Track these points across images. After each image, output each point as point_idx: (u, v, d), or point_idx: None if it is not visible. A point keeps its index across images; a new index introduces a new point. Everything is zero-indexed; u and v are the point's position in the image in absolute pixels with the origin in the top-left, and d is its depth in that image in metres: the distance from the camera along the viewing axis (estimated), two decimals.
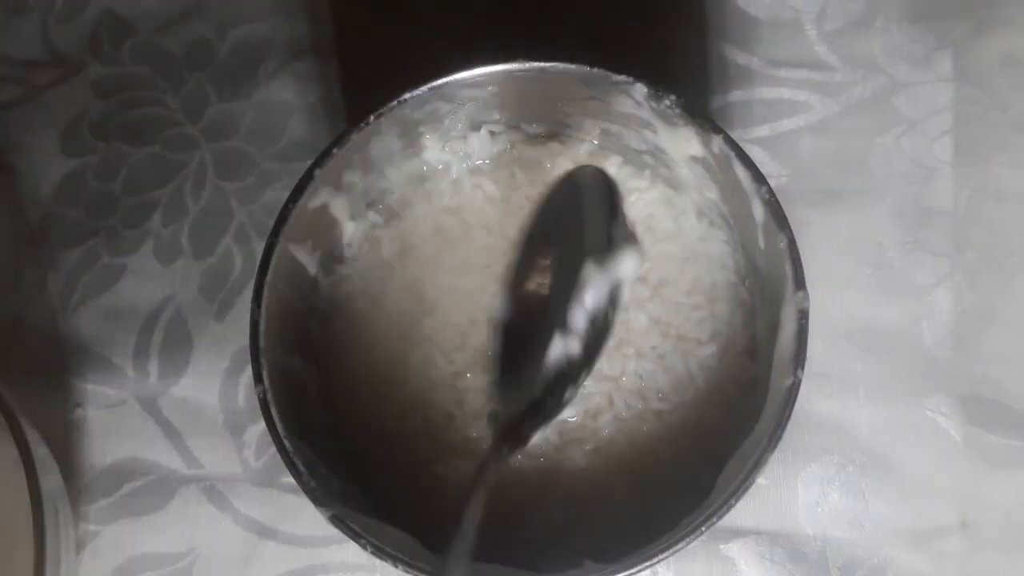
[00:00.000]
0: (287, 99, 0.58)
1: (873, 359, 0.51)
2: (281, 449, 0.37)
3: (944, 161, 0.54)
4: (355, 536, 0.36)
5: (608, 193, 0.39)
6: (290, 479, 0.50)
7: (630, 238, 0.39)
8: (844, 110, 0.55)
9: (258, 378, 0.38)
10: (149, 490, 0.52)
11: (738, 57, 0.56)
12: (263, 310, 0.39)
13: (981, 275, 0.52)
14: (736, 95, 0.56)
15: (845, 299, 0.52)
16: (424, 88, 0.40)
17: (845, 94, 0.55)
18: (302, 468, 0.37)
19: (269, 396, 0.38)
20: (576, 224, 0.39)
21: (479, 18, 0.57)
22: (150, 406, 0.53)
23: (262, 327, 0.38)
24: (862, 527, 0.49)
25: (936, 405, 0.50)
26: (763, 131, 0.55)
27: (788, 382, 0.37)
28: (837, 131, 0.54)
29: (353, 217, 0.46)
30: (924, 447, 0.50)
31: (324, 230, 0.45)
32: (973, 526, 0.49)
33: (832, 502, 0.49)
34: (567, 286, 0.38)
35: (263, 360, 0.38)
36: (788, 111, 0.55)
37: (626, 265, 0.38)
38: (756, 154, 0.54)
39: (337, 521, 0.36)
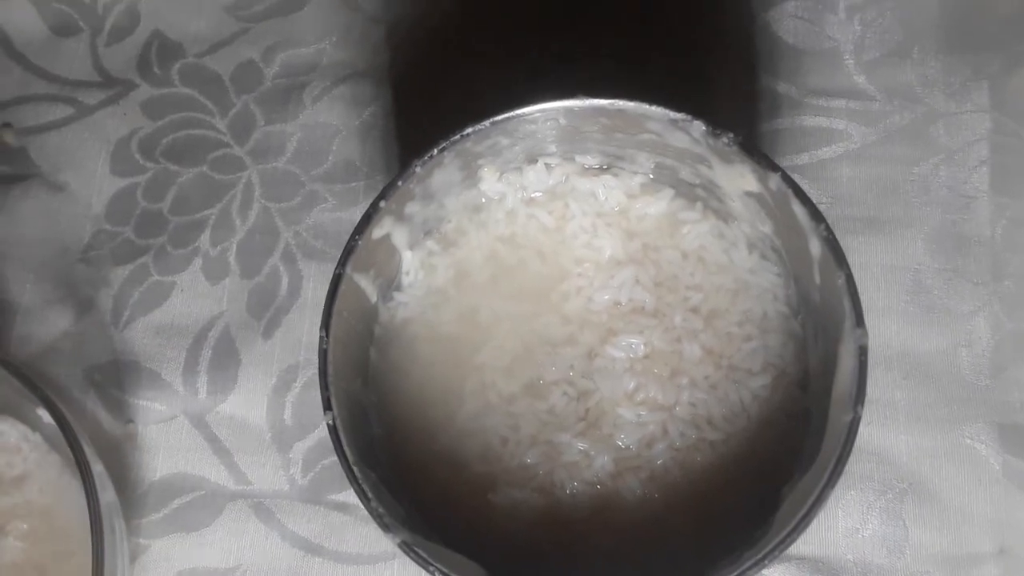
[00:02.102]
0: (332, 121, 0.59)
1: (912, 386, 0.52)
2: (351, 476, 0.38)
3: (981, 190, 0.54)
4: (424, 563, 0.37)
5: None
6: (337, 497, 0.52)
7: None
8: (882, 139, 0.56)
9: (327, 405, 0.39)
10: (198, 505, 0.53)
11: (777, 86, 0.57)
12: (331, 338, 0.40)
13: (1019, 303, 0.53)
14: (775, 123, 0.56)
15: (883, 327, 0.53)
16: (487, 122, 0.41)
17: (883, 123, 0.56)
18: (371, 494, 0.38)
19: (338, 423, 0.39)
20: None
21: (517, 46, 0.58)
22: (199, 422, 0.54)
23: (330, 355, 0.39)
24: (902, 553, 0.50)
25: (975, 433, 0.51)
26: (802, 159, 0.56)
27: (848, 418, 0.37)
28: (875, 159, 0.55)
29: (411, 246, 0.47)
30: (963, 474, 0.50)
31: (385, 259, 0.46)
32: (1011, 553, 0.49)
33: (872, 528, 0.50)
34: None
35: (331, 387, 0.39)
36: (827, 139, 0.56)
37: None
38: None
39: (406, 547, 0.37)
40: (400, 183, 0.42)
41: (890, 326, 0.53)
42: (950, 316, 0.53)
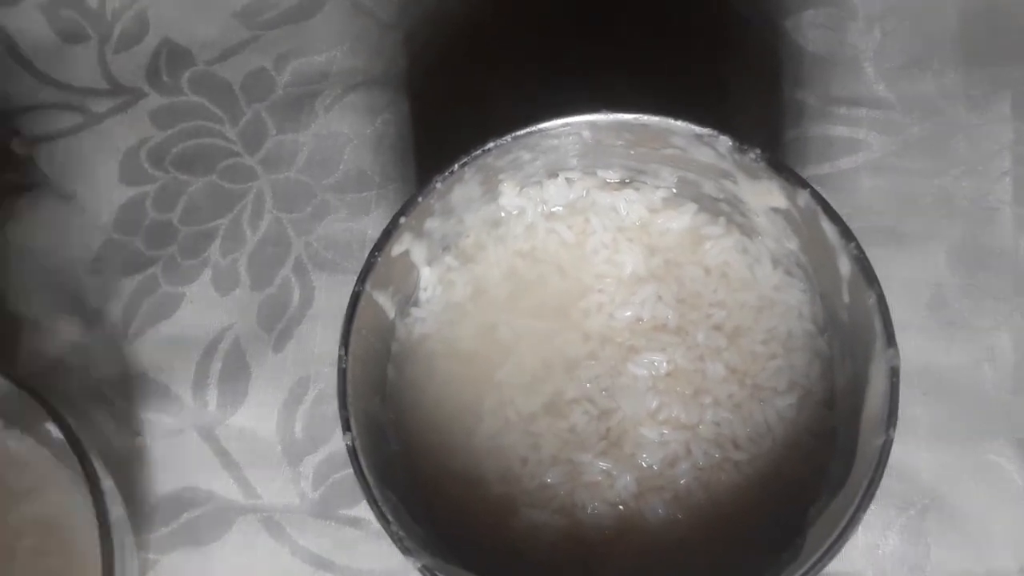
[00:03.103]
0: (344, 131, 0.58)
1: (933, 402, 0.51)
2: (371, 499, 0.37)
3: (1004, 202, 0.54)
4: None
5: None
6: (347, 512, 0.52)
7: None
8: (902, 149, 0.55)
9: (346, 426, 0.38)
10: (208, 520, 0.53)
11: (796, 94, 0.56)
12: (350, 357, 0.39)
13: None
14: (795, 132, 0.56)
15: (904, 341, 0.50)
16: (508, 137, 0.41)
17: (904, 133, 0.55)
18: (390, 517, 0.37)
19: (357, 444, 0.38)
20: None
21: (533, 55, 0.57)
22: (209, 436, 0.54)
23: (349, 374, 0.39)
24: (922, 571, 0.49)
25: (998, 449, 0.50)
26: (822, 169, 0.55)
27: (880, 441, 0.37)
28: (896, 170, 0.55)
29: (430, 262, 0.47)
30: (985, 491, 0.50)
31: (403, 275, 0.45)
32: None
33: (892, 545, 0.50)
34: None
35: (351, 408, 0.39)
36: (847, 149, 0.55)
37: None
38: None
39: (427, 572, 0.37)
40: (420, 199, 0.41)
41: (911, 341, 0.52)
42: (972, 331, 0.52)
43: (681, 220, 0.47)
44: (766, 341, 0.44)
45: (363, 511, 0.52)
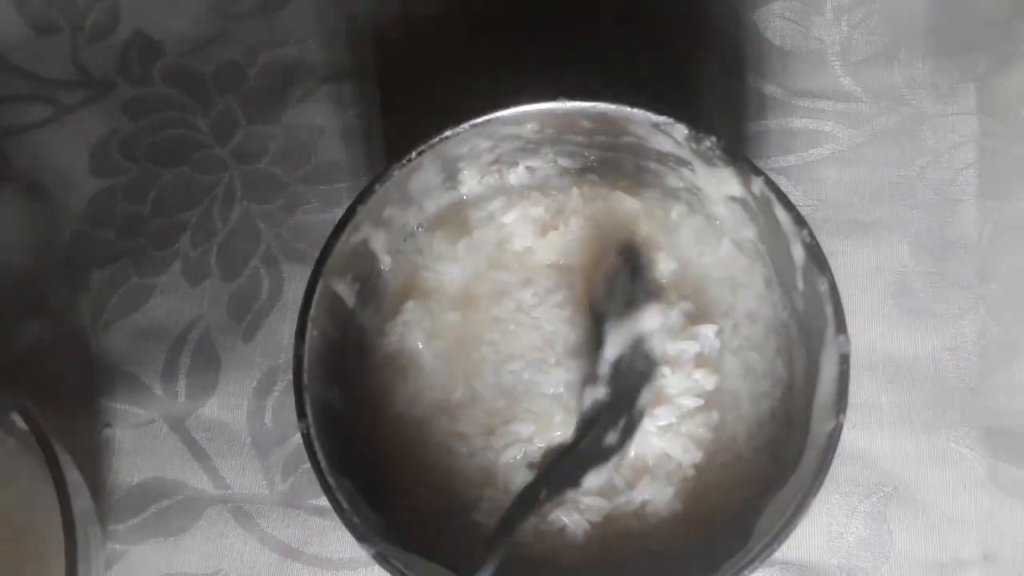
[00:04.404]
0: (316, 122, 0.58)
1: (897, 390, 0.52)
2: (324, 485, 0.37)
3: (968, 193, 0.54)
4: (399, 574, 0.37)
5: (633, 256, 0.44)
6: (316, 501, 0.52)
7: (652, 296, 0.42)
8: (868, 141, 0.55)
9: (301, 413, 0.39)
10: (176, 510, 0.53)
11: (763, 87, 0.57)
12: (307, 345, 0.39)
13: (1005, 307, 0.52)
14: (761, 125, 0.56)
15: (869, 330, 0.52)
16: (465, 125, 0.41)
17: (870, 125, 0.55)
18: (345, 505, 0.37)
19: (312, 431, 0.38)
20: (608, 290, 0.44)
21: (503, 47, 0.57)
22: (178, 426, 0.54)
23: (306, 362, 0.39)
24: (886, 558, 0.50)
25: (960, 437, 0.51)
26: (788, 160, 0.55)
27: (829, 426, 0.37)
28: (862, 162, 0.55)
29: (390, 250, 0.47)
30: (948, 479, 0.50)
31: (363, 263, 0.45)
32: (996, 559, 0.49)
33: (856, 532, 0.50)
34: (597, 344, 0.42)
35: (306, 395, 0.39)
36: (813, 141, 0.55)
37: (646, 318, 0.41)
38: (781, 183, 0.54)
39: (381, 559, 0.37)
40: (377, 187, 0.41)
41: (875, 329, 0.52)
42: (936, 319, 0.52)
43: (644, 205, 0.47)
44: (736, 325, 0.45)
45: None
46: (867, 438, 0.51)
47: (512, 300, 0.46)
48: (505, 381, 0.45)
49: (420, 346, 0.46)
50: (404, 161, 0.41)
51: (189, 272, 0.56)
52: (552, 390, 0.45)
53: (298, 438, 0.52)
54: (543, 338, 0.46)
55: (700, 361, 0.44)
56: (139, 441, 0.54)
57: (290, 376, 0.52)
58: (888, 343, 0.52)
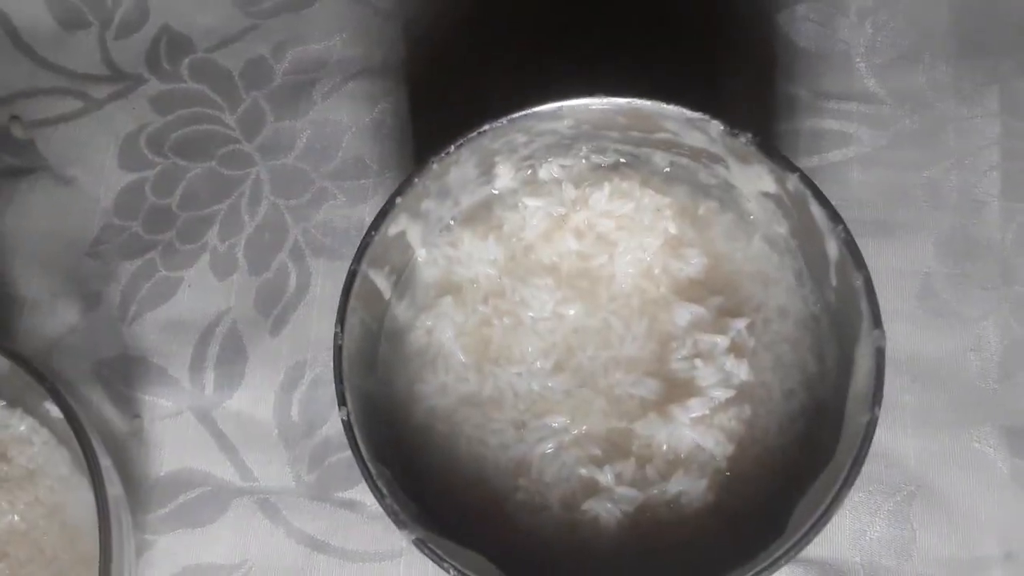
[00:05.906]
0: (342, 119, 0.59)
1: (920, 390, 0.52)
2: (365, 473, 0.38)
3: (992, 195, 0.54)
4: (439, 560, 0.37)
5: None
6: (342, 494, 0.52)
7: None
8: (892, 143, 0.56)
9: (342, 400, 0.39)
10: (204, 501, 0.53)
11: (788, 88, 0.57)
12: (345, 334, 0.40)
13: None
14: (785, 125, 0.56)
15: (893, 330, 0.51)
16: (504, 120, 0.41)
17: (894, 127, 0.56)
18: (385, 491, 0.38)
19: (352, 419, 0.38)
20: None
21: (531, 45, 0.58)
22: (205, 418, 0.54)
23: (345, 351, 0.39)
24: (909, 557, 0.50)
25: (983, 436, 0.51)
26: (812, 161, 0.56)
27: (865, 419, 0.38)
28: (886, 163, 0.55)
29: (425, 243, 0.47)
30: (971, 478, 0.51)
31: (399, 255, 0.45)
32: (1018, 558, 0.49)
33: (879, 531, 0.50)
34: None
35: (346, 383, 0.39)
36: (837, 143, 0.56)
37: None
38: None
39: (420, 544, 0.37)
40: (416, 180, 0.41)
41: (900, 330, 0.53)
42: (959, 320, 0.53)
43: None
44: (767, 320, 0.45)
45: (358, 494, 0.52)
46: (891, 437, 0.51)
47: (541, 296, 0.47)
48: (533, 375, 0.46)
49: (451, 339, 0.46)
50: (443, 154, 0.42)
51: (217, 266, 0.57)
52: (580, 384, 0.46)
53: (325, 431, 0.53)
54: (572, 334, 0.46)
55: (732, 351, 0.44)
56: (167, 432, 0.54)
57: (317, 370, 0.54)
58: (912, 343, 0.52)
